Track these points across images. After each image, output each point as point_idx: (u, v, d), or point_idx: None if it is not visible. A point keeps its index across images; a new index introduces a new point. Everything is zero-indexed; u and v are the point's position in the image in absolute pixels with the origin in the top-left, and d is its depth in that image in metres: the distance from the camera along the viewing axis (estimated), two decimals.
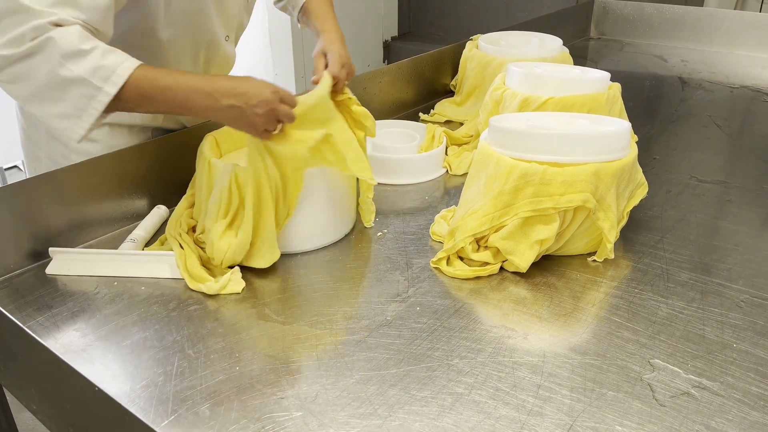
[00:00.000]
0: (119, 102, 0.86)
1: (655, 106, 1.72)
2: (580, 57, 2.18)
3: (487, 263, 0.98)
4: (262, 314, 0.90)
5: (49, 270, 0.98)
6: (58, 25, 0.83)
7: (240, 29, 1.25)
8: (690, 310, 0.89)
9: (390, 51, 3.04)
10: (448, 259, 1.00)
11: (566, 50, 1.63)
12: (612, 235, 0.98)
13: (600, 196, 0.95)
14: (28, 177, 1.01)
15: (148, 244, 1.06)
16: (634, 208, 1.05)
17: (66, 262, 0.98)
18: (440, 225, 1.10)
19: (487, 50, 1.61)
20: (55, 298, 0.92)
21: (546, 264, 1.00)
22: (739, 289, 0.94)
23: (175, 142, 1.16)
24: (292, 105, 0.91)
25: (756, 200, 1.20)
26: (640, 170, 1.06)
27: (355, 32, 2.88)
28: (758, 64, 2.04)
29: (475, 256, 0.98)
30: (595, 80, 1.28)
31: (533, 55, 1.56)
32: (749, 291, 0.93)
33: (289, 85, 2.70)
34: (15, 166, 2.94)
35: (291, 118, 0.91)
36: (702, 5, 3.76)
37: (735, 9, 3.76)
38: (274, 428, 0.70)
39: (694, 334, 0.85)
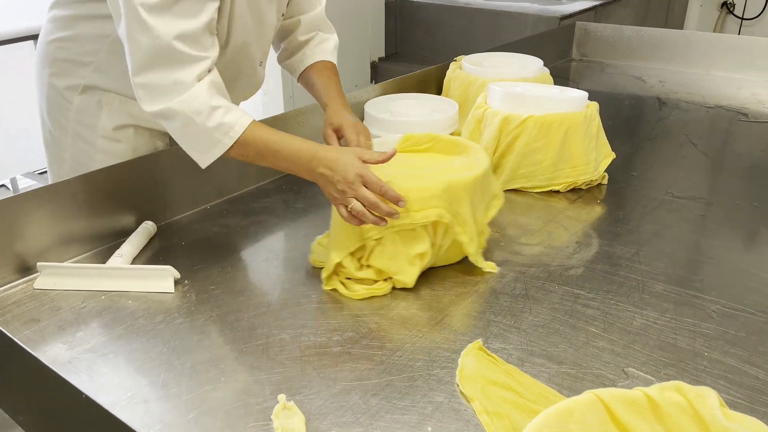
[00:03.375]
0: (236, 152, 1.01)
1: (633, 125, 1.77)
2: (562, 78, 2.24)
3: (376, 281, 1.00)
4: (248, 327, 0.91)
5: (37, 284, 0.99)
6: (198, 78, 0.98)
7: (268, 54, 1.30)
8: (664, 320, 0.92)
9: (377, 71, 3.09)
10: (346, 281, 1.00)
11: (547, 71, 1.68)
12: (472, 248, 1.00)
13: (455, 211, 0.98)
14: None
15: (135, 259, 1.08)
16: (613, 222, 1.09)
17: (54, 277, 0.99)
18: (317, 253, 1.08)
19: (471, 71, 1.65)
20: (42, 312, 0.94)
21: (524, 277, 1.03)
22: (712, 300, 0.97)
23: (163, 159, 1.19)
24: (377, 191, 0.94)
25: (729, 215, 1.24)
26: (495, 181, 1.09)
27: (343, 53, 2.91)
28: (734, 85, 2.10)
29: (360, 275, 0.99)
30: (573, 99, 1.32)
31: (515, 75, 1.60)
32: (721, 302, 0.96)
33: (276, 106, 2.73)
34: (2, 186, 2.95)
35: (370, 203, 0.94)
36: (682, 27, 3.86)
37: (714, 31, 3.87)
38: None
39: (667, 343, 0.87)
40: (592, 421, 0.55)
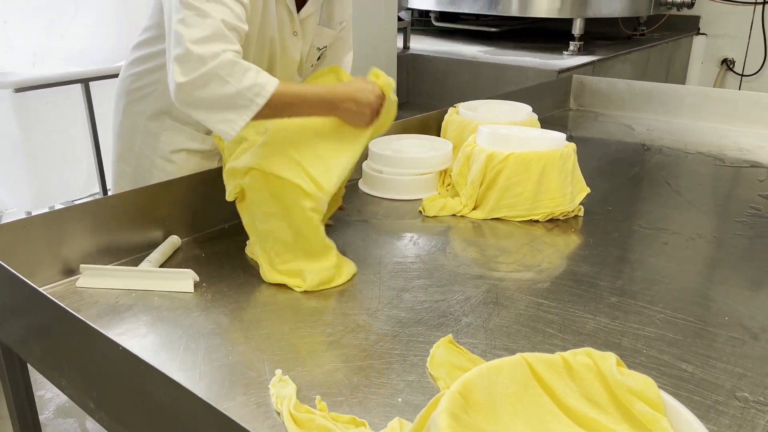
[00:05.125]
0: (268, 110, 1.12)
1: (616, 166, 1.92)
2: (559, 125, 2.41)
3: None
4: (254, 320, 1.07)
5: (79, 283, 1.17)
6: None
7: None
8: (613, 325, 1.06)
9: None
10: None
11: (535, 116, 1.86)
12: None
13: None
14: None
15: (161, 266, 1.25)
16: (583, 247, 1.24)
17: (93, 278, 1.17)
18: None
19: (466, 115, 1.84)
20: (83, 305, 1.11)
21: (496, 289, 1.17)
22: (658, 310, 1.10)
23: (187, 183, 1.37)
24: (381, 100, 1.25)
25: (687, 244, 1.38)
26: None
27: None
28: (717, 134, 2.25)
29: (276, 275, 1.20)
30: (552, 139, 1.50)
31: (505, 119, 1.78)
32: (666, 312, 1.10)
33: None
34: None
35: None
36: (684, 84, 4.04)
37: (714, 86, 4.04)
38: (256, 400, 0.87)
39: (613, 342, 1.01)
40: (517, 376, 0.69)
